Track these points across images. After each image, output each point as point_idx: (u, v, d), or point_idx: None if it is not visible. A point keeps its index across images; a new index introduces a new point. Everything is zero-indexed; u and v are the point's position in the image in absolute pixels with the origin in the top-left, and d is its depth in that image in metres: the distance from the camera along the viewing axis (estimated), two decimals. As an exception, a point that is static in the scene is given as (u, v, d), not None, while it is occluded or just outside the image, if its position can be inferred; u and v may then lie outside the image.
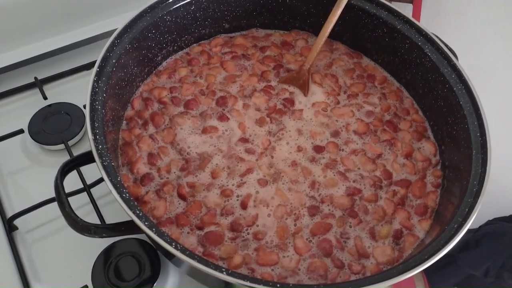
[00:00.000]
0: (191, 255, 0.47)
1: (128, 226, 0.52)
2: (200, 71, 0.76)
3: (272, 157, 0.67)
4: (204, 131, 0.68)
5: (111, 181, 0.51)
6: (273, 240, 0.59)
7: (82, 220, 0.52)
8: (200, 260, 0.46)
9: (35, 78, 0.85)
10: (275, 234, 0.59)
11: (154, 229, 0.48)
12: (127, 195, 0.51)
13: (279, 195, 0.63)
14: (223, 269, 0.46)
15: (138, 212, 0.49)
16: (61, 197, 0.52)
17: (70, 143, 0.77)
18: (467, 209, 0.54)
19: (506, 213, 1.51)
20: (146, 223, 0.48)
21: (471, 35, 1.15)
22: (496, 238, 1.43)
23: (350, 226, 0.61)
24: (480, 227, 1.49)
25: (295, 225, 0.61)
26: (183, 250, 0.47)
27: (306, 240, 0.59)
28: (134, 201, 0.50)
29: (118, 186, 0.51)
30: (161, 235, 0.48)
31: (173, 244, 0.47)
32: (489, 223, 1.50)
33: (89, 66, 0.88)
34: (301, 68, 0.76)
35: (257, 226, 0.60)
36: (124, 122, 0.69)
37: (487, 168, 0.57)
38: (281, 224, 0.60)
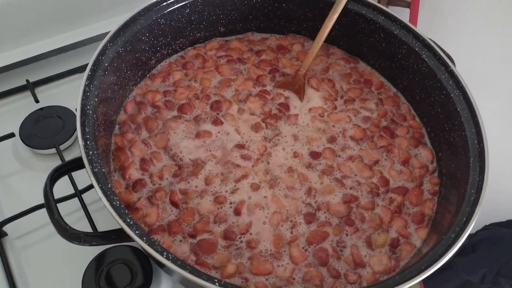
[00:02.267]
0: (183, 265, 0.45)
1: (119, 234, 0.51)
2: (194, 75, 0.75)
3: (268, 163, 0.66)
4: (198, 135, 0.67)
5: (101, 188, 0.50)
6: (268, 248, 0.58)
7: (72, 228, 0.50)
8: (192, 270, 0.45)
9: (27, 80, 0.83)
10: (270, 243, 0.58)
11: (145, 238, 0.47)
12: (118, 202, 0.49)
13: (275, 202, 0.62)
14: (216, 280, 0.45)
15: (128, 220, 0.48)
16: (50, 204, 0.51)
17: (62, 147, 0.76)
18: (464, 218, 0.53)
19: (503, 218, 1.51)
20: (136, 232, 0.47)
21: (468, 40, 1.15)
22: (492, 244, 1.43)
23: (347, 235, 0.60)
24: (476, 232, 1.48)
25: (291, 233, 0.60)
26: (175, 260, 0.46)
27: (302, 249, 0.58)
28: (124, 209, 0.49)
29: (109, 194, 0.50)
30: (152, 244, 0.47)
31: (164, 253, 0.46)
32: (485, 228, 1.50)
33: (82, 69, 0.87)
34: (297, 73, 0.75)
35: (251, 234, 0.59)
36: (117, 126, 0.68)
37: (485, 176, 0.56)
38: (277, 232, 0.59)
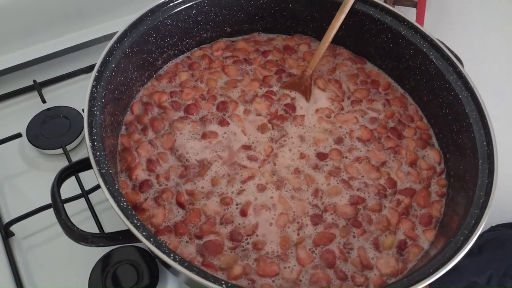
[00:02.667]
0: (190, 267, 0.45)
1: (125, 235, 0.51)
2: (201, 76, 0.75)
3: (274, 164, 0.66)
4: (204, 136, 0.67)
5: (108, 189, 0.50)
6: (274, 250, 0.58)
7: (79, 229, 0.50)
8: (199, 272, 0.45)
9: (34, 81, 0.84)
10: (277, 244, 0.58)
11: (152, 240, 0.47)
12: (125, 203, 0.49)
13: (281, 203, 0.62)
14: (223, 282, 0.45)
15: (136, 221, 0.48)
16: (57, 205, 0.51)
17: (68, 147, 0.76)
18: (473, 221, 0.53)
19: (510, 220, 1.50)
20: (144, 233, 0.47)
21: (476, 40, 1.14)
22: (499, 245, 1.42)
23: (354, 237, 0.60)
24: (483, 233, 1.47)
25: (298, 234, 0.60)
26: (182, 262, 0.46)
27: (308, 251, 0.58)
28: (132, 210, 0.49)
29: (116, 195, 0.49)
30: (159, 245, 0.47)
31: (171, 255, 0.46)
32: (492, 229, 1.49)
33: (88, 69, 0.87)
34: (304, 74, 0.75)
35: (257, 235, 0.59)
36: (123, 127, 0.68)
37: (494, 178, 0.55)
38: (283, 234, 0.59)
